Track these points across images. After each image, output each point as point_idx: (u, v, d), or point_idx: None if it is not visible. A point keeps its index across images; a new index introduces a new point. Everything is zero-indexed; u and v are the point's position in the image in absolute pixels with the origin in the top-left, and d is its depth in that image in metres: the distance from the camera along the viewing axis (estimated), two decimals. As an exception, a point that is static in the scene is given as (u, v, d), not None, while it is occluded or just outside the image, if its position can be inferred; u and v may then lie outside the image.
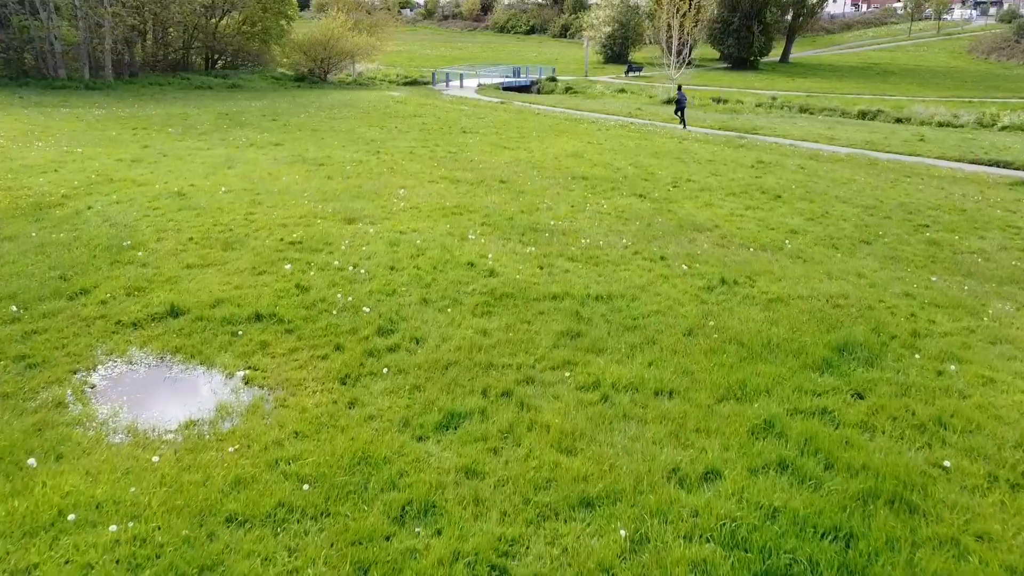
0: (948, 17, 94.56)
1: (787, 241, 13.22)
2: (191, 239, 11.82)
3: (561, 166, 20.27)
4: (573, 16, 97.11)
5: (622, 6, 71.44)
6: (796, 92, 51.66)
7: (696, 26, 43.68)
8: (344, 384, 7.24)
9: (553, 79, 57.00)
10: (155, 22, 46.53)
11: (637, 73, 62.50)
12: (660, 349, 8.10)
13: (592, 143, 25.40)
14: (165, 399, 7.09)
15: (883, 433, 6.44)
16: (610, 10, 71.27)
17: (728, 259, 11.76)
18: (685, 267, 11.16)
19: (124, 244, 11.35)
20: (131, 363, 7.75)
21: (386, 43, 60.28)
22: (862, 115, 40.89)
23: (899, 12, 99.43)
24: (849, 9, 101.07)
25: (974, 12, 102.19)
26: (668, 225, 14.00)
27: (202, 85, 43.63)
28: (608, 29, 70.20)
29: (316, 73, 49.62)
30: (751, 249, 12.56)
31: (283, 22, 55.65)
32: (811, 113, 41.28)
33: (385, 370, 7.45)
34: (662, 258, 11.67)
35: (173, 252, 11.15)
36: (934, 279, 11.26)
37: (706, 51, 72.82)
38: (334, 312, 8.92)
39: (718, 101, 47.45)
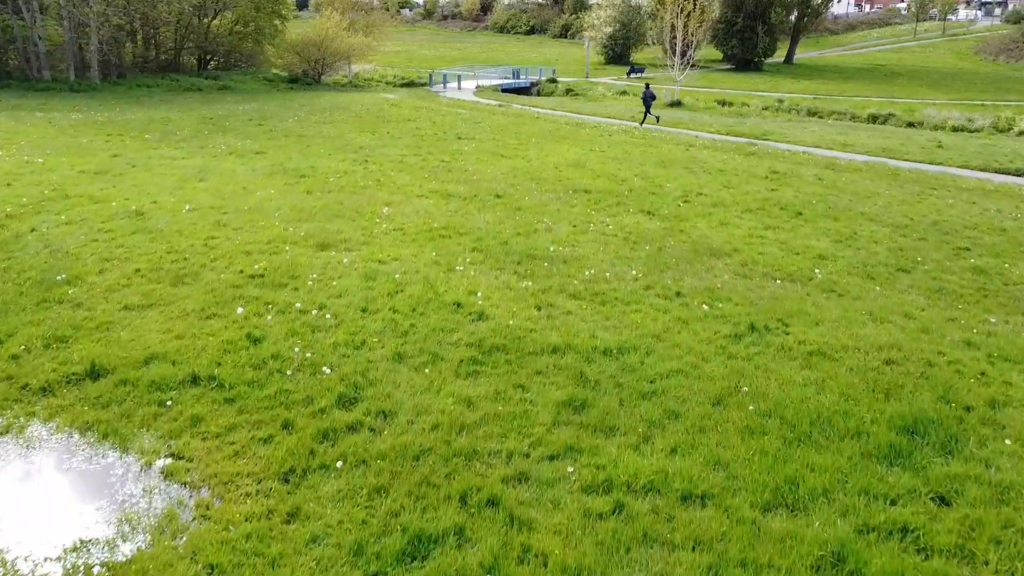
0: (953, 18, 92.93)
1: (816, 269, 11.64)
2: (138, 271, 10.25)
3: (562, 177, 18.70)
4: (574, 16, 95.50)
5: (623, 6, 69.83)
6: (802, 95, 50.05)
7: (700, 26, 42.14)
8: (287, 483, 5.67)
9: (553, 80, 55.44)
10: (144, 22, 44.93)
11: (639, 74, 60.91)
12: (685, 427, 6.52)
13: (594, 150, 23.82)
14: (57, 503, 5.52)
15: (986, 566, 4.87)
16: (611, 10, 69.65)
17: (754, 295, 10.18)
18: (706, 307, 9.59)
19: (58, 278, 9.78)
20: (27, 446, 6.19)
21: (383, 43, 58.83)
22: (872, 119, 39.30)
23: (903, 13, 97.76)
24: (853, 10, 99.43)
25: (979, 13, 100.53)
26: (682, 249, 12.42)
27: (191, 87, 42.06)
28: (609, 29, 68.59)
29: (310, 74, 48.05)
30: (777, 280, 10.99)
31: (277, 22, 54.15)
32: (820, 117, 39.69)
33: (340, 463, 5.86)
34: (678, 294, 10.10)
35: (113, 288, 9.58)
36: (992, 320, 9.68)
37: (709, 52, 71.19)
38: (288, 373, 7.34)
39: (723, 104, 45.87)
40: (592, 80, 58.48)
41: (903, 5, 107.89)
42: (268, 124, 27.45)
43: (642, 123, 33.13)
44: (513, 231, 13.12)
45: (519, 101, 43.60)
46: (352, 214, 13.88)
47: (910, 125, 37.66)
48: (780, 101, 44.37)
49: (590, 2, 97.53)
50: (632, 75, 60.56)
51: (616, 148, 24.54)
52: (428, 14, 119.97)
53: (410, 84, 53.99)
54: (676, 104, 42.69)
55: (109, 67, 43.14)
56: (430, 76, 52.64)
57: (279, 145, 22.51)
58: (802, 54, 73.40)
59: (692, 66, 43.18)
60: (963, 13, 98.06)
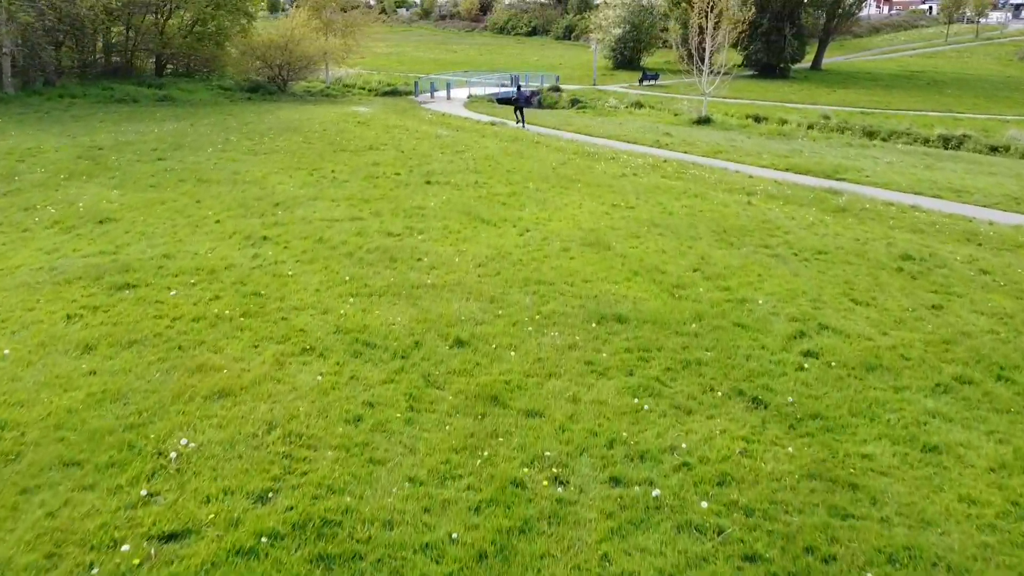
0: (982, 20, 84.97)
1: None
2: None
3: (575, 278, 11.06)
4: (578, 16, 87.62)
5: (634, 5, 61.98)
6: (845, 107, 42.31)
7: (734, 29, 34.57)
8: None
9: (557, 89, 47.72)
10: (71, 22, 37.18)
11: (652, 82, 53.16)
12: None
13: (619, 206, 16.19)
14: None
15: None
16: (620, 10, 61.80)
17: None
18: None
19: None
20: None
21: (373, 45, 51.22)
22: (945, 142, 31.60)
23: (929, 14, 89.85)
24: (874, 11, 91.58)
25: (1009, 15, 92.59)
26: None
27: (124, 98, 34.39)
28: (618, 31, 60.77)
29: (276, 82, 40.32)
30: None
31: (244, 21, 46.45)
32: (883, 139, 31.99)
33: None
34: None
35: None
36: None
37: (728, 55, 63.38)
38: None
39: (757, 120, 38.19)
40: (600, 88, 50.73)
41: (925, 7, 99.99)
42: (172, 159, 19.80)
43: (523, 125, 30.89)
44: (471, 505, 5.49)
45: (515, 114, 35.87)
46: (108, 449, 6.24)
47: (994, 150, 29.98)
48: (826, 118, 36.64)
49: (596, 1, 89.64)
50: (645, 83, 52.80)
51: (650, 201, 16.87)
52: (425, 14, 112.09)
53: (393, 92, 46.27)
54: (705, 121, 35.00)
55: (31, 73, 35.56)
56: (415, 84, 44.89)
57: (153, 202, 14.86)
58: (828, 59, 65.53)
59: (726, 73, 35.46)
60: (994, 16, 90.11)
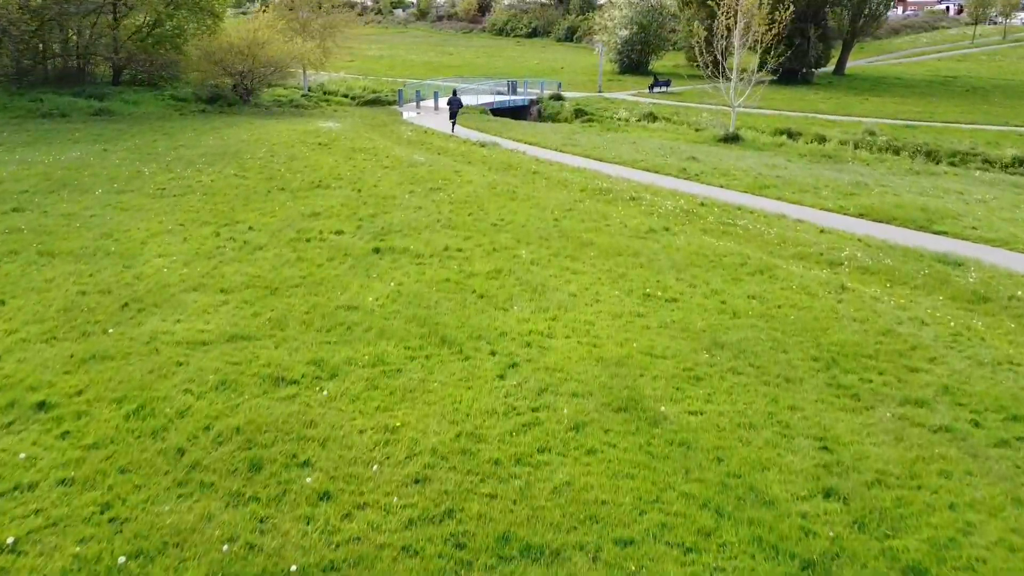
0: (1006, 22, 79.04)
1: None
2: None
3: (606, 544, 5.45)
4: (581, 17, 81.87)
5: (642, 5, 56.23)
6: (884, 119, 36.62)
7: (769, 30, 28.95)
8: None
9: (559, 97, 42.03)
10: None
11: (664, 89, 47.45)
12: None
13: (654, 296, 10.60)
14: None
15: None
16: (627, 10, 56.06)
17: None
18: None
19: None
20: None
21: (365, 47, 45.77)
22: (1019, 165, 25.97)
23: (947, 14, 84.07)
24: (892, 12, 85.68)
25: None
26: None
27: (52, 112, 28.83)
28: (625, 33, 55.03)
29: (239, 90, 34.65)
30: None
31: (210, 21, 40.77)
32: (950, 163, 26.30)
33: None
34: None
35: None
36: None
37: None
38: None
39: (790, 135, 32.51)
40: (606, 96, 45.03)
41: (942, 6, 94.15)
42: (33, 209, 14.23)
43: (452, 130, 29.58)
44: None
45: (512, 131, 30.23)
46: None
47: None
48: (871, 134, 30.95)
49: (599, 1, 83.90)
50: (655, 90, 47.08)
51: (698, 284, 11.23)
52: (422, 14, 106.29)
53: (375, 101, 40.61)
54: (733, 139, 29.35)
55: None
56: (399, 93, 39.13)
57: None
58: (849, 63, 59.66)
59: (759, 81, 29.71)
60: (1020, 16, 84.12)
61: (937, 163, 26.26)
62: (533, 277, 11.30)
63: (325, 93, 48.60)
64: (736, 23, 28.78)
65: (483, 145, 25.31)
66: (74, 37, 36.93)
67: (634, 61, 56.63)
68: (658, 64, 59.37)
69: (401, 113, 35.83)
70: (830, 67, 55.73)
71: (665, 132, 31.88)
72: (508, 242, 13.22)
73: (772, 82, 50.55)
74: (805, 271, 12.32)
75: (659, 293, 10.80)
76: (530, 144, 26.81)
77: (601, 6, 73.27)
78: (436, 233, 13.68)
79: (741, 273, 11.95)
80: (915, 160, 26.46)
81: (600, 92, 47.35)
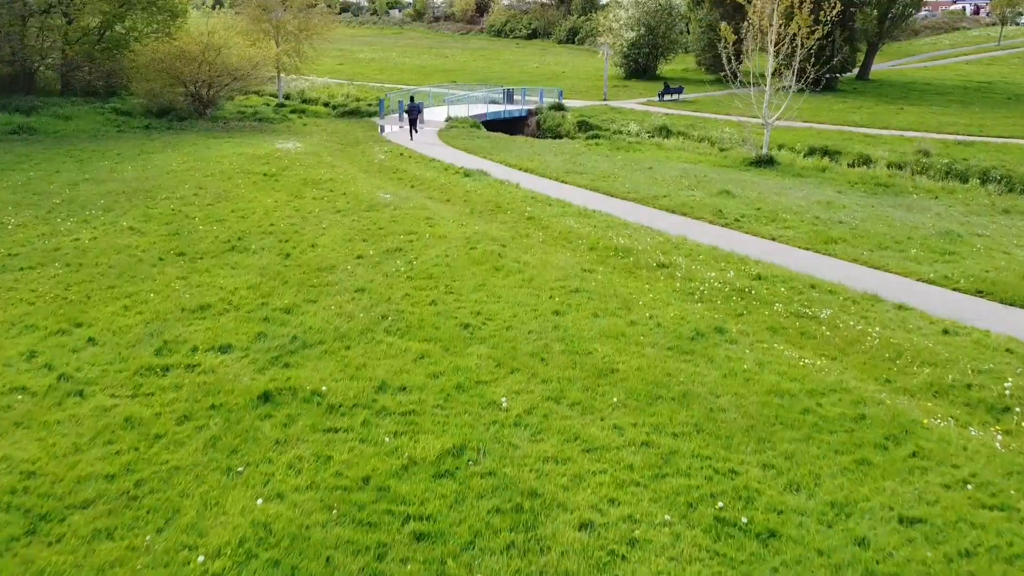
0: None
1: None
2: None
3: None
4: (583, 18, 76.88)
5: (649, 5, 51.25)
6: (928, 133, 31.73)
7: (812, 34, 24.01)
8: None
9: (560, 107, 37.11)
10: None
11: (675, 97, 42.47)
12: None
13: (733, 519, 5.77)
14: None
15: None
16: (634, 10, 51.09)
17: None
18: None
19: None
20: None
21: (355, 50, 40.80)
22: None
23: (970, 16, 79.10)
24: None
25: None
26: None
27: (-40, 130, 24.07)
28: (631, 35, 50.04)
29: (194, 103, 29.74)
30: None
31: (169, 22, 35.86)
32: (1034, 195, 21.38)
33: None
34: None
35: None
36: None
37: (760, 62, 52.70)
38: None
39: (827, 154, 27.63)
40: (612, 105, 40.09)
41: (958, 6, 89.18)
42: None
43: (411, 137, 27.95)
44: None
45: (505, 152, 25.35)
46: None
47: None
48: (926, 154, 26.02)
49: (603, 0, 78.94)
50: (666, 97, 42.09)
51: (793, 471, 6.40)
52: (418, 15, 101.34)
53: (353, 113, 35.69)
54: (766, 162, 24.43)
55: None
56: (380, 104, 34.17)
57: None
58: (872, 67, 54.66)
59: (800, 89, 24.68)
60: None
61: (1022, 193, 21.34)
62: (518, 467, 6.45)
63: (304, 101, 43.73)
64: (771, 25, 23.87)
65: (468, 174, 20.41)
66: (18, 42, 32.16)
67: (641, 65, 51.69)
68: (667, 68, 54.48)
69: (380, 128, 30.96)
70: (853, 72, 50.76)
71: (684, 152, 26.96)
72: (482, 367, 8.37)
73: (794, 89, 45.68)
74: (961, 431, 7.47)
75: (739, 511, 5.94)
76: (526, 171, 21.93)
77: (605, 6, 68.31)
78: (374, 347, 8.85)
79: (861, 443, 7.08)
80: (991, 191, 21.52)
81: (605, 100, 42.46)
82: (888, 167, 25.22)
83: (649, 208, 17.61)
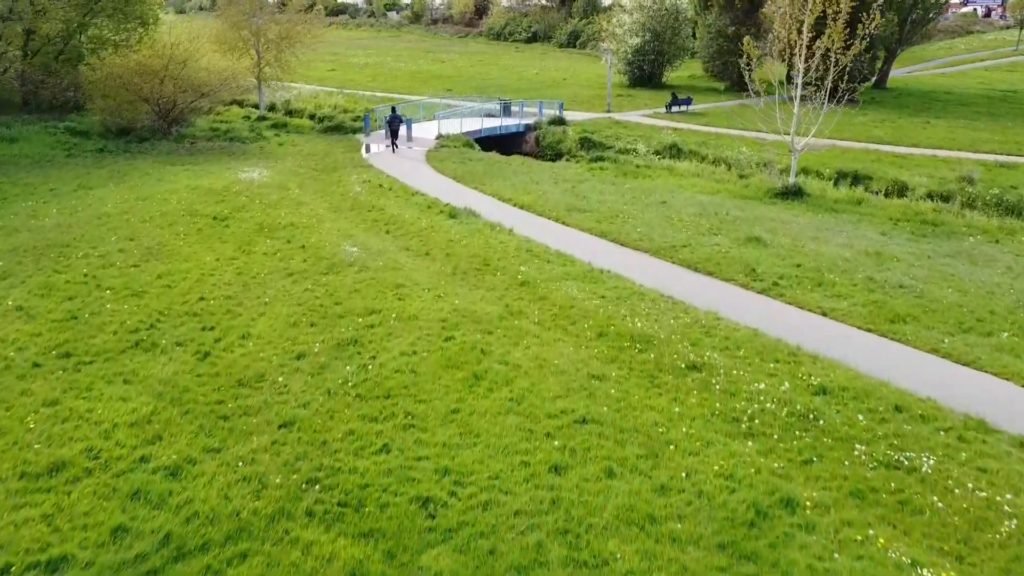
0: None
1: None
2: None
3: None
4: (584, 21, 73.73)
5: (655, 9, 48.11)
6: (965, 152, 28.70)
7: (851, 47, 20.87)
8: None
9: (561, 121, 34.05)
10: None
11: (684, 108, 39.36)
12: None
13: None
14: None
15: None
16: (639, 14, 47.95)
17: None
18: None
19: None
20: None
21: (349, 54, 37.69)
22: None
23: (981, 18, 75.89)
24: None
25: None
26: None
27: None
28: (636, 41, 46.90)
29: (159, 121, 26.68)
30: None
31: (141, 30, 32.83)
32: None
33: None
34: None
35: None
36: None
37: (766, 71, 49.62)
38: None
39: (857, 181, 24.63)
40: (617, 118, 37.01)
41: (968, 8, 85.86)
42: None
43: (393, 150, 26.63)
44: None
45: (499, 180, 22.30)
46: None
47: None
48: (969, 180, 23.00)
49: (605, 2, 75.79)
50: (674, 109, 38.99)
51: None
52: (416, 17, 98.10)
53: (337, 128, 32.64)
54: (795, 193, 21.34)
55: None
56: (366, 119, 31.09)
57: None
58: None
59: (841, 100, 21.45)
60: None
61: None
62: None
63: (288, 112, 40.63)
64: (800, 38, 20.81)
65: (454, 214, 17.36)
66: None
67: (646, 73, 48.56)
68: (673, 75, 51.35)
69: (364, 147, 27.93)
70: (870, 80, 47.56)
71: (699, 179, 23.88)
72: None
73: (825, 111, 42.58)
74: None
75: None
76: (522, 207, 18.87)
77: (608, 9, 65.20)
78: (284, 554, 5.85)
79: None
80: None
81: (609, 112, 39.38)
82: (930, 198, 22.17)
83: (667, 263, 14.60)
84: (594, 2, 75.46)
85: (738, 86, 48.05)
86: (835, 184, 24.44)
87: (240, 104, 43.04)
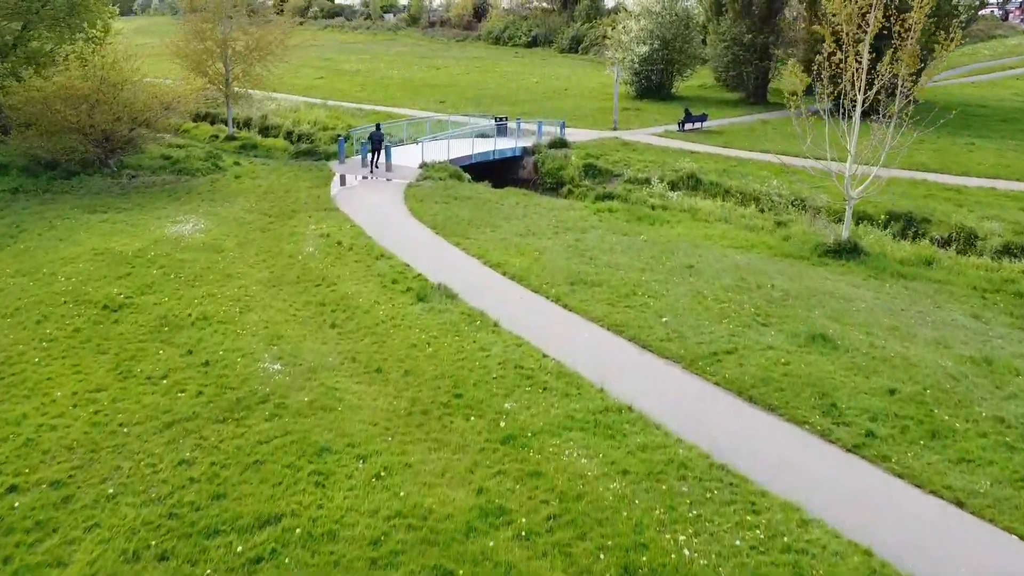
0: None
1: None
2: None
3: None
4: (587, 25, 69.41)
5: (665, 15, 43.79)
6: (1020, 182, 24.54)
7: (920, 70, 16.72)
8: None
9: (562, 143, 29.84)
10: None
11: (698, 126, 35.12)
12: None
13: None
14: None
15: None
16: (647, 20, 43.62)
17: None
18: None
19: None
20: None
21: (341, 59, 33.23)
22: None
23: (1001, 21, 71.50)
24: (939, 17, 73.15)
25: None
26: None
27: None
28: (644, 49, 42.58)
29: (96, 152, 22.51)
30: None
31: (81, 43, 28.47)
32: None
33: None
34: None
35: None
36: None
37: (783, 81, 45.33)
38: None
39: (907, 224, 20.52)
40: (624, 139, 32.78)
41: (987, 11, 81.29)
42: None
43: (372, 171, 24.47)
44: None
45: (487, 230, 18.13)
46: None
47: None
48: (1055, 230, 18.76)
49: (608, 4, 71.51)
50: (688, 127, 34.78)
51: None
52: (413, 20, 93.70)
53: (309, 153, 28.47)
54: (851, 251, 17.09)
55: None
56: (340, 144, 26.81)
57: None
58: (912, 83, 47.20)
59: (913, 119, 17.14)
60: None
61: None
62: None
63: (263, 130, 36.55)
64: (859, 62, 16.62)
65: (423, 297, 13.18)
66: None
67: (654, 83, 44.25)
68: (684, 86, 47.09)
69: (337, 179, 23.80)
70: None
71: (728, 225, 19.67)
72: None
73: (815, 114, 38.26)
74: None
75: None
76: (513, 277, 14.69)
77: (612, 13, 60.88)
78: None
79: None
80: None
81: (615, 129, 35.22)
82: (1008, 252, 17.98)
83: (709, 384, 10.42)
84: (597, 6, 71.10)
85: (755, 98, 44.07)
86: (885, 227, 20.30)
87: (212, 120, 38.99)
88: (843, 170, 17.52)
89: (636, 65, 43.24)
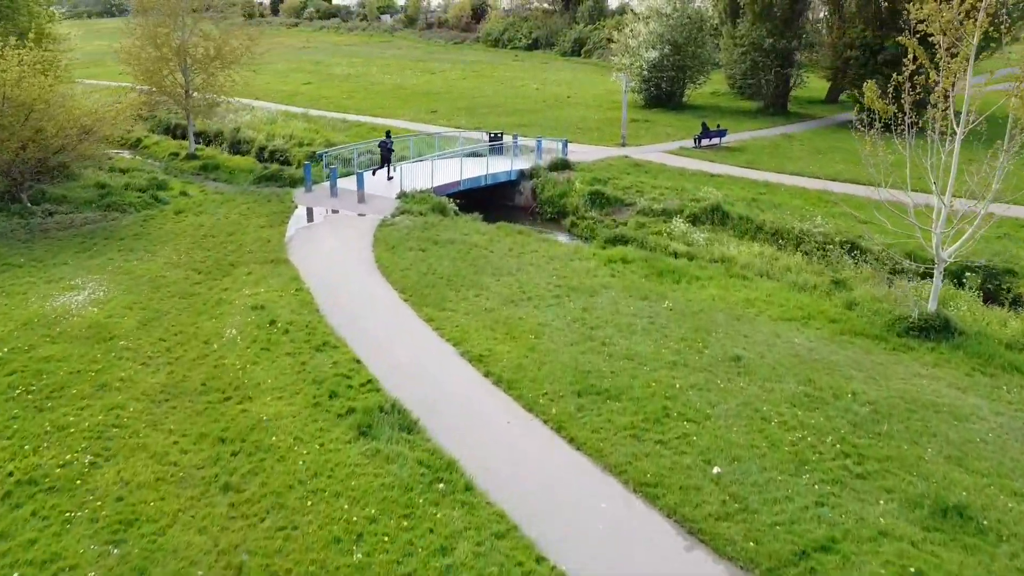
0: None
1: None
2: None
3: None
4: (590, 27, 65.13)
5: (676, 18, 39.51)
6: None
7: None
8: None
9: (564, 164, 25.70)
10: None
11: (716, 142, 30.90)
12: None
13: None
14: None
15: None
16: (657, 23, 39.34)
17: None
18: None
19: None
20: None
21: (333, 61, 28.84)
22: None
23: None
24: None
25: None
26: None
27: None
28: (653, 54, 38.35)
29: (11, 183, 18.45)
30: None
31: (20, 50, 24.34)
32: None
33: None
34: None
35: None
36: None
37: (807, 90, 41.13)
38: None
39: (988, 278, 16.34)
40: (634, 158, 28.62)
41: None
42: None
43: (384, 174, 23.33)
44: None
45: (471, 291, 14.08)
46: None
47: None
48: None
49: (611, 4, 67.23)
50: (704, 143, 30.60)
51: None
52: (410, 21, 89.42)
53: (273, 178, 24.32)
54: (940, 329, 12.92)
55: None
56: (306, 168, 22.61)
57: None
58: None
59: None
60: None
61: None
62: None
63: (233, 145, 32.45)
64: (957, 77, 12.61)
65: (367, 431, 9.05)
66: None
67: (664, 92, 40.03)
68: (696, 94, 42.88)
69: (295, 213, 19.73)
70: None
71: (772, 283, 15.55)
72: None
73: (834, 127, 34.05)
74: None
75: None
76: (499, 381, 10.60)
77: (618, 14, 56.62)
78: None
79: None
80: None
81: (624, 145, 31.10)
82: None
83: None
84: (601, 7, 66.81)
85: (774, 108, 39.77)
86: (959, 283, 16.18)
87: (178, 133, 34.87)
88: (918, 203, 13.40)
89: (645, 72, 39.05)
